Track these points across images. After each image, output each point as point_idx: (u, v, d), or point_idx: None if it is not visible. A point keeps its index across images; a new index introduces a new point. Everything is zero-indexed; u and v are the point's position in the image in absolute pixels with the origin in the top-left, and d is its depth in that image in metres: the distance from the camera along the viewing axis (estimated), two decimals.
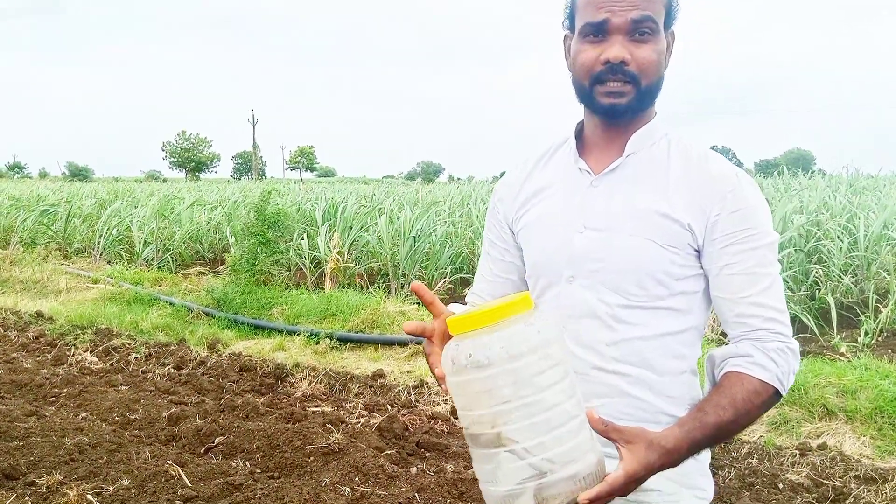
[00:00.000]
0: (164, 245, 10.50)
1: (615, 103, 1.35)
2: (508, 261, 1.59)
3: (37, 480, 3.49)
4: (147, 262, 10.21)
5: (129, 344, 6.46)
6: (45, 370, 5.61)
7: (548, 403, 1.07)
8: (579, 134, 1.51)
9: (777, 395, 1.30)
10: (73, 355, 6.13)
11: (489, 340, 1.07)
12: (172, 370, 5.75)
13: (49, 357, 6.12)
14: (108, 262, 10.50)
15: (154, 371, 5.73)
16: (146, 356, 6.12)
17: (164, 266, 10.00)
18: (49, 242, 11.44)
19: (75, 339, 6.63)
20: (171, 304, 7.42)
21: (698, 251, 1.37)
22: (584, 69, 1.35)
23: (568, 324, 1.42)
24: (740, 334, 1.35)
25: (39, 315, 7.46)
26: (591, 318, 1.40)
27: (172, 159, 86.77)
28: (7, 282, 9.03)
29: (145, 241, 10.51)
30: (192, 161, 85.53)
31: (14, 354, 6.14)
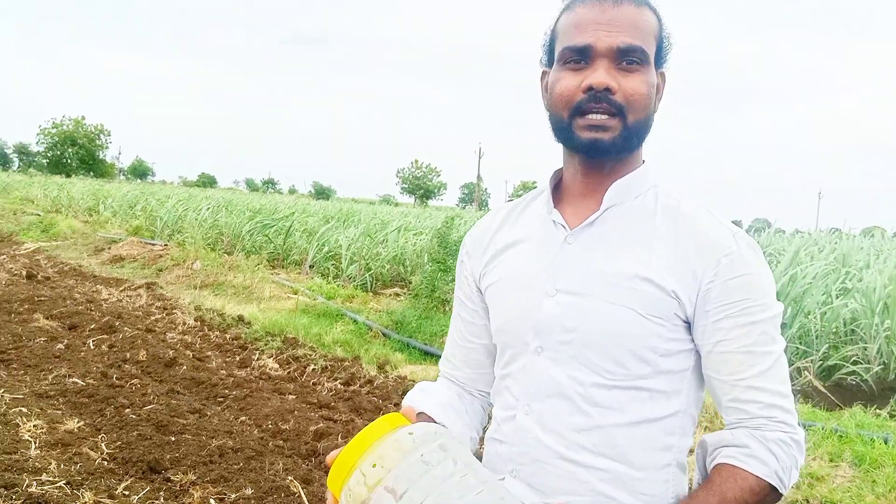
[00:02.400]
0: (367, 264, 10.90)
1: (598, 138, 1.14)
2: (480, 324, 1.37)
3: (173, 477, 3.61)
4: (350, 278, 10.64)
5: (309, 355, 6.69)
6: (225, 371, 5.91)
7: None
8: (558, 182, 1.28)
9: (775, 493, 1.10)
10: (258, 360, 6.45)
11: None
12: (340, 385, 5.84)
13: (237, 359, 6.47)
14: (322, 276, 11.08)
15: (323, 384, 5.86)
16: (322, 368, 6.29)
17: (364, 284, 10.36)
18: (269, 253, 12.32)
19: (265, 344, 6.98)
20: (354, 320, 7.64)
21: (688, 323, 1.17)
22: (563, 99, 1.16)
23: (532, 404, 1.22)
24: (736, 421, 1.14)
25: (240, 319, 7.95)
26: (559, 399, 1.19)
27: (404, 185, 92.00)
28: (222, 285, 9.79)
29: (351, 259, 10.97)
30: (421, 188, 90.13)
31: (208, 353, 6.56)
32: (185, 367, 5.76)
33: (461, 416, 1.34)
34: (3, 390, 4.73)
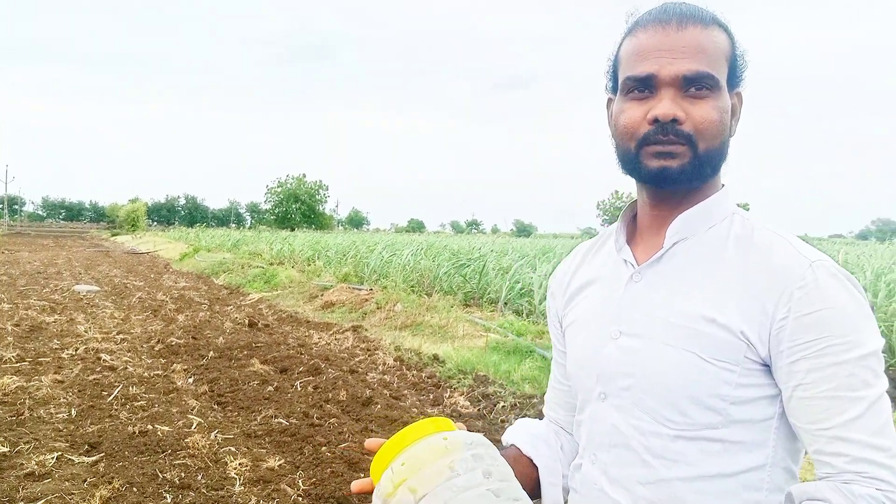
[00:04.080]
0: None
1: (665, 166, 1.07)
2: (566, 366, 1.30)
3: None
4: (543, 315, 10.61)
5: (499, 392, 6.74)
6: (418, 409, 6.09)
7: None
8: (633, 218, 1.21)
9: None
10: (450, 397, 6.59)
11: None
12: None
13: (430, 397, 6.65)
14: (516, 313, 11.17)
15: (511, 421, 5.86)
16: (511, 406, 6.31)
17: None
18: (466, 292, 12.60)
19: (457, 382, 7.13)
20: (543, 357, 7.58)
21: (767, 366, 1.04)
22: (629, 131, 1.10)
23: (598, 454, 1.17)
24: (824, 476, 1.00)
25: (435, 358, 8.18)
26: (623, 449, 1.13)
27: (605, 217, 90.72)
28: (420, 325, 10.13)
29: (543, 295, 10.96)
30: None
31: (404, 391, 6.80)
32: (380, 406, 6.01)
33: (553, 451, 1.30)
34: (217, 431, 5.19)
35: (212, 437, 5.04)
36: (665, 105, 1.05)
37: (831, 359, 0.99)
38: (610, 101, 1.19)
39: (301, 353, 8.22)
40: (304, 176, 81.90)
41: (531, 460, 1.26)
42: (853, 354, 0.98)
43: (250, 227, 75.47)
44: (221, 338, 9.08)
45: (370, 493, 1.02)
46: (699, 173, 1.08)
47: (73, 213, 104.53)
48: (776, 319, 1.01)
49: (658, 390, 1.08)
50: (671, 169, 1.07)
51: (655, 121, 1.06)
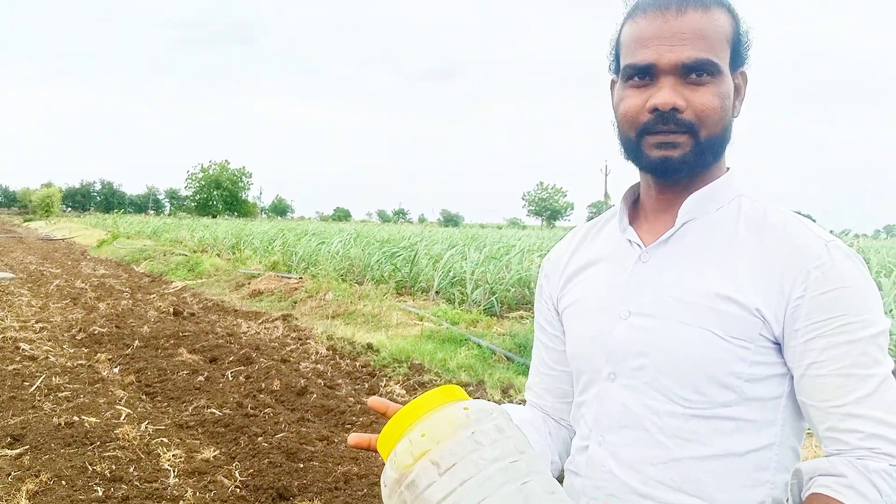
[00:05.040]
0: (492, 288, 10.90)
1: (667, 156, 1.07)
2: (561, 349, 1.30)
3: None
4: (475, 303, 10.67)
5: (435, 380, 6.75)
6: (353, 398, 6.04)
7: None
8: (636, 199, 1.21)
9: None
10: (385, 386, 6.56)
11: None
12: None
13: (366, 386, 6.60)
14: (448, 301, 11.19)
15: None
16: None
17: (489, 308, 10.37)
18: (398, 281, 12.56)
19: (392, 371, 7.10)
20: (478, 345, 7.64)
21: (778, 344, 1.05)
22: (629, 119, 1.10)
23: (606, 435, 1.15)
24: (835, 452, 1.02)
25: (369, 347, 8.12)
26: (633, 429, 1.12)
27: (531, 208, 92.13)
28: (353, 314, 10.05)
29: (476, 284, 11.02)
30: (548, 209, 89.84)
31: (338, 381, 6.73)
32: (315, 396, 5.94)
33: (542, 437, 1.29)
34: (147, 422, 5.03)
35: (142, 428, 4.88)
36: (664, 94, 1.05)
37: (846, 337, 1.00)
38: (613, 82, 1.19)
39: (230, 343, 8.04)
40: (228, 163, 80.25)
41: None
42: (867, 332, 1.00)
43: (170, 214, 73.46)
44: (146, 326, 8.80)
45: (366, 448, 0.98)
46: (701, 161, 1.09)
47: None
48: (792, 298, 1.02)
49: (674, 369, 1.07)
50: (673, 159, 1.07)
51: (655, 109, 1.06)
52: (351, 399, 6.00)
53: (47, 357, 6.93)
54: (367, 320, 9.68)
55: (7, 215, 66.64)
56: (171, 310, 10.35)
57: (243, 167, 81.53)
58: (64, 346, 7.55)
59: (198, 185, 79.19)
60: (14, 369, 6.34)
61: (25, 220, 54.60)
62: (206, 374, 6.54)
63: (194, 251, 19.44)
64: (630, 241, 1.17)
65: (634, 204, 1.23)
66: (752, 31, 1.14)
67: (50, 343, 7.64)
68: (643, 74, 1.08)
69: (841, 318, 1.00)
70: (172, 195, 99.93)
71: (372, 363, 7.42)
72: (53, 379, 6.08)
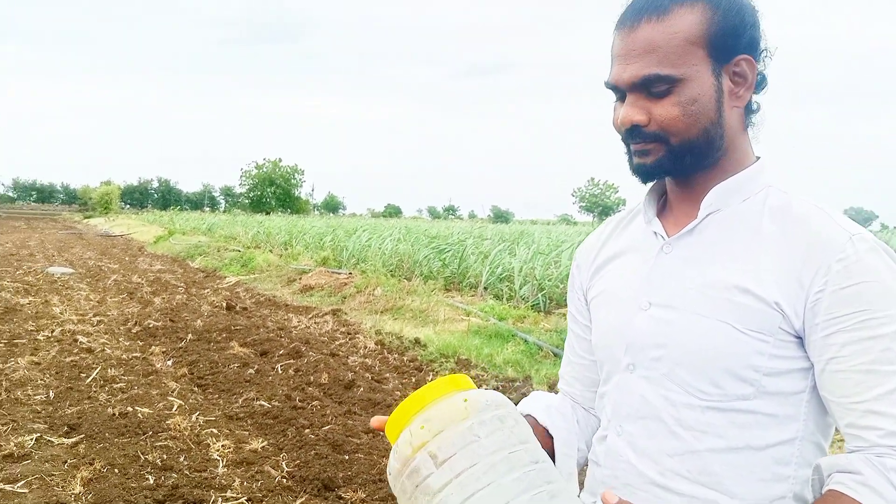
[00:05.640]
0: (540, 284, 10.84)
1: (641, 163, 1.11)
2: (589, 339, 1.32)
3: (344, 495, 3.74)
4: (523, 299, 10.63)
5: (481, 375, 6.74)
6: (400, 392, 6.07)
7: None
8: (662, 193, 1.21)
9: None
10: (431, 381, 6.58)
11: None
12: None
13: (413, 380, 6.63)
14: (496, 297, 11.16)
15: None
16: (494, 389, 6.30)
17: (536, 304, 10.31)
18: (446, 277, 12.58)
19: (439, 366, 7.12)
20: (525, 341, 7.60)
21: (800, 338, 1.03)
22: (617, 131, 1.14)
23: (624, 425, 1.16)
24: (855, 449, 0.99)
25: (416, 342, 8.16)
26: (651, 420, 1.12)
27: (582, 204, 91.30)
28: (401, 309, 10.10)
29: (524, 280, 10.97)
30: (599, 205, 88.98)
31: (386, 375, 6.77)
32: (362, 389, 5.98)
33: (569, 423, 1.29)
34: (198, 413, 5.14)
35: (193, 419, 4.99)
36: (623, 113, 1.08)
37: (868, 332, 0.97)
38: None
39: (280, 337, 8.16)
40: (280, 160, 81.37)
41: (547, 430, 1.25)
42: (890, 329, 0.97)
43: (225, 211, 74.81)
44: (199, 320, 8.98)
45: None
46: (679, 164, 1.09)
47: (44, 195, 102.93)
48: (812, 292, 1.00)
49: (691, 361, 1.06)
50: (646, 165, 1.10)
51: (623, 126, 1.09)
52: (397, 393, 6.03)
53: (103, 349, 7.12)
54: (415, 315, 9.72)
55: (68, 212, 68.64)
56: (224, 304, 10.53)
57: (295, 164, 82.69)
58: (120, 339, 7.74)
59: (251, 182, 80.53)
60: (72, 361, 6.53)
61: (85, 217, 56.21)
62: (256, 367, 6.64)
63: (248, 247, 19.75)
64: (655, 232, 1.17)
65: (664, 197, 1.23)
66: (759, 13, 1.09)
67: (106, 336, 7.85)
68: (615, 92, 1.11)
69: (863, 314, 0.98)
70: (227, 192, 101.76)
71: (419, 358, 7.45)
72: (109, 371, 6.25)
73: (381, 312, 10.12)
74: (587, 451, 1.30)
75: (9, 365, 6.21)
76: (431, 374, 6.82)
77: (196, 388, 5.95)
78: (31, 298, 10.27)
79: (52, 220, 52.95)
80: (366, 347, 7.81)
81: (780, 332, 1.02)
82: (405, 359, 7.43)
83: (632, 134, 1.08)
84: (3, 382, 5.66)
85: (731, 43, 1.06)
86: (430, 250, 13.81)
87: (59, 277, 13.31)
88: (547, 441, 1.24)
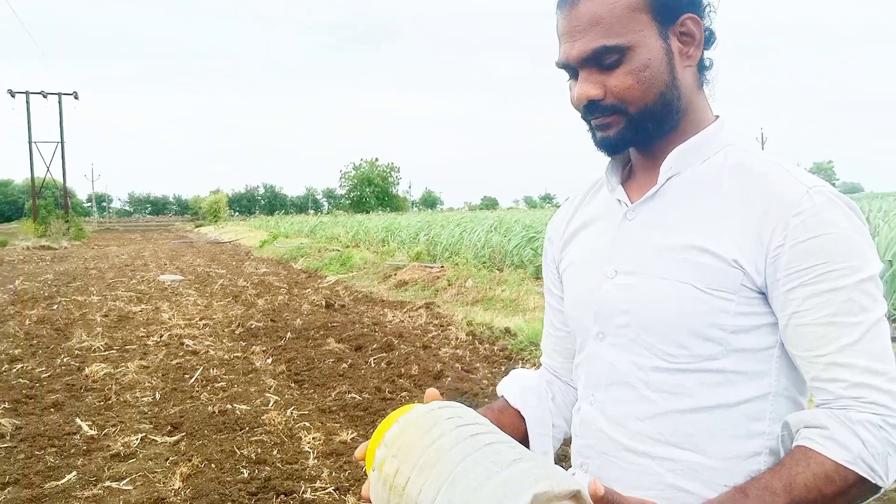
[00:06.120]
0: None
1: (604, 137, 1.10)
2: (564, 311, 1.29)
3: None
4: None
5: None
6: (488, 381, 6.10)
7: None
8: (629, 159, 1.21)
9: (866, 484, 0.92)
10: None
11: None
12: None
13: (502, 369, 6.65)
14: None
15: None
16: None
17: None
18: (536, 265, 12.52)
19: (529, 354, 7.11)
20: None
21: (765, 294, 1.02)
22: (576, 109, 1.12)
23: (596, 394, 1.16)
24: (822, 403, 0.99)
25: (507, 331, 8.17)
26: (621, 387, 1.12)
27: None
28: (491, 299, 10.13)
29: None
30: None
31: (476, 365, 6.82)
32: (450, 379, 6.05)
33: (543, 402, 1.30)
34: (293, 408, 5.32)
35: (287, 413, 5.17)
36: (578, 91, 1.07)
37: (828, 285, 0.96)
38: None
39: (375, 331, 8.33)
40: (377, 159, 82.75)
41: (519, 412, 1.26)
42: (853, 279, 0.96)
43: (328, 213, 76.84)
44: (299, 319, 9.28)
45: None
46: (642, 133, 1.08)
47: (158, 207, 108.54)
48: (772, 248, 0.99)
49: (656, 324, 1.06)
50: (610, 138, 1.09)
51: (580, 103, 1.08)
52: (485, 381, 6.06)
53: (207, 351, 7.46)
54: (505, 305, 9.72)
55: (181, 222, 72.16)
56: (324, 302, 10.84)
57: (391, 163, 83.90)
58: (223, 341, 8.10)
59: (351, 183, 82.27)
60: (177, 363, 6.88)
61: (196, 226, 58.85)
62: (350, 361, 6.82)
63: (346, 246, 20.23)
64: (619, 200, 1.17)
65: (630, 165, 1.21)
66: None
67: (211, 338, 8.22)
68: (567, 71, 1.10)
69: (823, 266, 0.97)
70: (329, 194, 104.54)
71: (509, 347, 7.45)
72: (211, 371, 6.55)
73: (472, 304, 10.17)
74: (566, 426, 1.32)
75: (119, 370, 6.60)
76: (521, 362, 6.82)
77: (293, 384, 6.16)
78: (142, 306, 10.86)
79: (165, 230, 55.73)
80: (457, 339, 7.88)
81: (742, 290, 1.02)
82: (495, 348, 7.46)
83: (590, 109, 1.08)
84: (114, 386, 6.02)
85: (673, 4, 1.05)
86: (520, 239, 13.76)
87: (169, 285, 14.02)
88: (520, 422, 1.26)
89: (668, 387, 1.06)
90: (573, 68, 1.08)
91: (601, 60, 1.04)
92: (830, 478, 0.91)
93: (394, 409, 0.97)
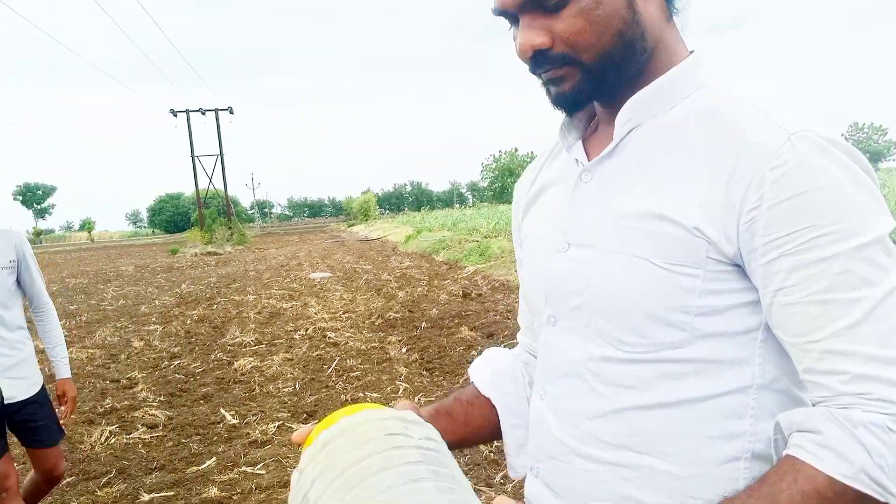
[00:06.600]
0: None
1: (560, 92, 0.90)
2: None
3: None
4: None
5: None
6: None
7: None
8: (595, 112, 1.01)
9: (869, 501, 0.70)
10: None
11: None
12: None
13: None
14: None
15: None
16: None
17: None
18: None
19: None
20: None
21: (740, 266, 0.82)
22: (524, 63, 0.92)
23: (546, 387, 0.98)
24: (818, 399, 0.78)
25: None
26: (571, 378, 0.94)
27: None
28: None
29: None
30: (866, 152, 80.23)
31: None
32: None
33: (518, 387, 1.15)
34: (421, 395, 5.42)
35: (415, 400, 5.26)
36: (520, 40, 0.88)
37: (818, 253, 0.76)
38: None
39: (508, 319, 8.32)
40: (516, 150, 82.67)
41: (490, 401, 1.13)
42: (848, 245, 0.75)
43: (472, 206, 77.57)
44: (435, 309, 9.43)
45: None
46: (603, 84, 0.89)
47: (314, 209, 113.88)
48: (745, 210, 0.79)
49: (609, 307, 0.88)
50: (566, 94, 0.90)
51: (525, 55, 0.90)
52: None
53: (346, 342, 7.74)
54: None
55: (335, 223, 75.31)
56: (461, 292, 10.95)
57: (530, 152, 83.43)
58: (363, 332, 8.36)
59: (492, 174, 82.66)
60: (318, 355, 7.18)
61: (349, 226, 61.12)
62: (480, 348, 6.84)
63: (485, 237, 20.33)
64: (577, 160, 0.98)
65: (596, 117, 1.02)
66: None
67: (351, 330, 8.51)
68: (508, 20, 0.92)
69: (810, 230, 0.76)
70: (473, 188, 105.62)
71: None
72: (348, 361, 6.78)
73: None
74: None
75: (265, 363, 6.97)
76: None
77: (424, 372, 6.27)
78: (293, 303, 11.42)
79: (321, 231, 58.32)
80: None
81: (710, 263, 0.82)
82: None
83: (538, 61, 0.88)
84: (259, 378, 6.36)
85: None
86: None
87: (318, 281, 14.65)
88: (492, 412, 1.13)
89: (622, 379, 0.88)
90: (512, 14, 0.89)
91: (543, 2, 0.85)
92: (823, 495, 0.72)
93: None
